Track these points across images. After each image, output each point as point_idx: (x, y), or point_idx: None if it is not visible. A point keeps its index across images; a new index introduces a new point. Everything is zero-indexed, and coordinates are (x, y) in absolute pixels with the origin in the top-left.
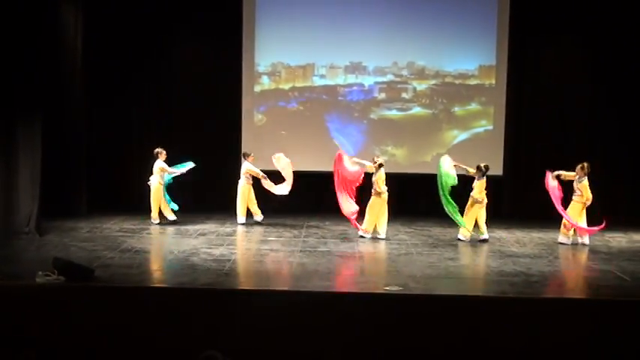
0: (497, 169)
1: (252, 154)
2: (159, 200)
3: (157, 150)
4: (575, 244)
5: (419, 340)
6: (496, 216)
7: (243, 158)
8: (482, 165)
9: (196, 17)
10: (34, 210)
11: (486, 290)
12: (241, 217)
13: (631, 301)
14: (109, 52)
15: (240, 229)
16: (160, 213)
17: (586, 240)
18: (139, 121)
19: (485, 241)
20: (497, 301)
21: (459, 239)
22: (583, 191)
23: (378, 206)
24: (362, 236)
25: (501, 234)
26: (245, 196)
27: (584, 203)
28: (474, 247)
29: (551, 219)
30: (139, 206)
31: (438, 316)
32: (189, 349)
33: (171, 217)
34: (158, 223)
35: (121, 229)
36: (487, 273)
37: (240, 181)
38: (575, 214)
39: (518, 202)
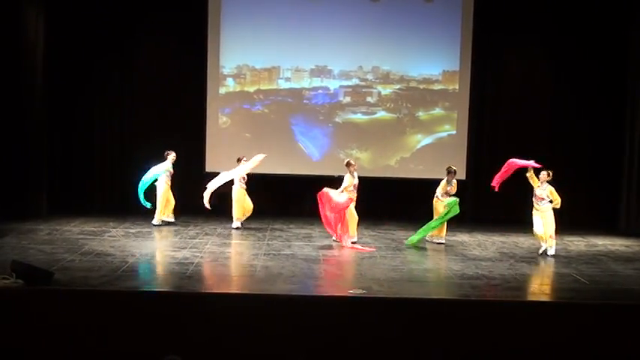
0: (460, 174)
1: (245, 158)
2: (163, 202)
3: (166, 152)
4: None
5: (382, 343)
6: (458, 220)
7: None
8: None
9: (161, 18)
10: None
11: (449, 293)
12: (237, 221)
13: (589, 304)
14: (70, 53)
15: (204, 232)
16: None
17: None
18: (101, 121)
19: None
20: (459, 303)
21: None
22: (553, 196)
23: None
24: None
25: (463, 237)
26: (241, 201)
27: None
28: (437, 251)
29: (513, 223)
30: (101, 208)
31: (402, 320)
32: (150, 353)
33: (170, 218)
34: (159, 225)
35: (82, 231)
36: (450, 276)
37: (234, 185)
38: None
39: (481, 206)
